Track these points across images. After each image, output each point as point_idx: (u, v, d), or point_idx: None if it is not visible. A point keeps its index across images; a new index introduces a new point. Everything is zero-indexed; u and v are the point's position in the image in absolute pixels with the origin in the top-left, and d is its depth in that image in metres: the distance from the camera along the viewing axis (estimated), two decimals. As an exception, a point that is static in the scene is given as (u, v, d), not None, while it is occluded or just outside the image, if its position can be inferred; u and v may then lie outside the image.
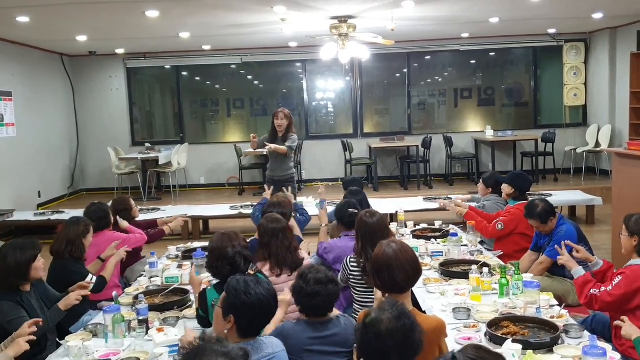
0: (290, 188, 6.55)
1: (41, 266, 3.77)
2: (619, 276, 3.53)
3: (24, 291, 3.68)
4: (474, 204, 6.07)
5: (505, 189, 5.72)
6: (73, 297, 3.76)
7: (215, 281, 3.61)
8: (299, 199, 8.00)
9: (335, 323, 3.14)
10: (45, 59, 11.40)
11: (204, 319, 3.42)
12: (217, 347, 1.89)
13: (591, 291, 3.56)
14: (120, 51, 11.91)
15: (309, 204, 8.33)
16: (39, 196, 10.86)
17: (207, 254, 3.71)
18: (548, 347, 2.97)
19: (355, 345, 3.17)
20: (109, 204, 5.57)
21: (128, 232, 5.31)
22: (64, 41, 10.38)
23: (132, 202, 5.68)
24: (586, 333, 3.14)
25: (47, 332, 3.67)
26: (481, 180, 6.26)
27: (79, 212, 8.29)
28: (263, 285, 2.73)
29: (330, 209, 7.00)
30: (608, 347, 2.90)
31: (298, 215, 5.77)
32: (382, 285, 3.03)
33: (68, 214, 8.70)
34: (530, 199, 5.47)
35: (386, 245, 3.06)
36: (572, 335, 3.12)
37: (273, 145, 6.96)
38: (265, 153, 7.09)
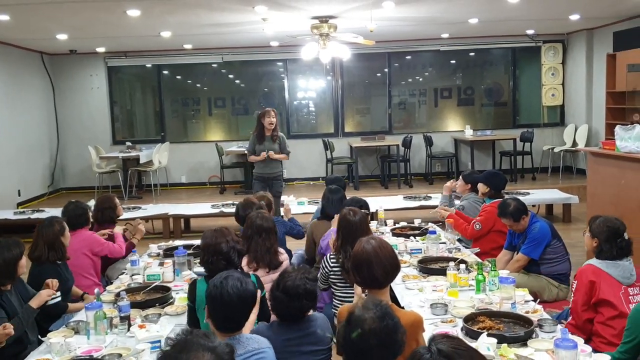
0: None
1: (25, 264, 3.80)
2: (574, 282, 3.68)
3: (4, 290, 3.68)
4: (456, 202, 6.16)
5: (481, 187, 5.80)
6: (44, 294, 3.75)
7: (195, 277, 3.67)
8: (283, 197, 8.06)
9: (311, 322, 3.15)
10: (25, 58, 11.31)
11: (192, 310, 3.46)
12: (203, 342, 1.87)
13: (569, 319, 3.70)
14: (101, 50, 11.85)
15: (291, 202, 8.37)
16: (19, 195, 10.78)
17: (200, 250, 3.74)
18: (522, 341, 3.05)
19: (333, 341, 3.23)
20: (90, 202, 5.58)
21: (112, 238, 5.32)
22: (44, 40, 10.30)
23: (117, 201, 5.68)
24: (559, 327, 3.22)
25: (27, 330, 3.68)
26: (461, 176, 6.33)
27: (59, 211, 8.28)
28: (236, 283, 2.72)
29: (313, 207, 7.08)
30: (580, 340, 2.99)
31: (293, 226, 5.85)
32: (362, 281, 3.08)
33: (48, 212, 8.64)
34: (504, 196, 5.59)
35: (365, 241, 3.11)
36: (546, 330, 3.20)
37: (276, 155, 7.26)
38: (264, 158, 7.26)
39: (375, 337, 2.29)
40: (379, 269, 2.99)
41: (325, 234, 5.05)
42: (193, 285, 3.50)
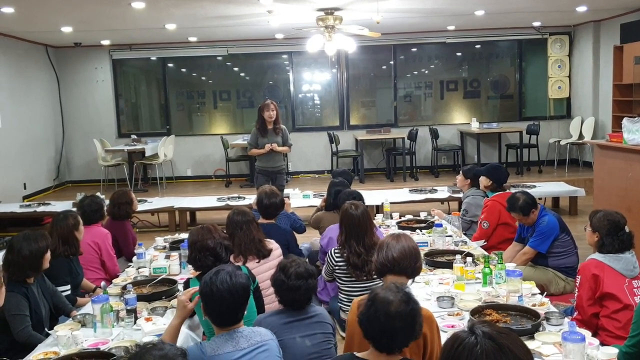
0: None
1: (49, 257, 3.82)
2: (578, 278, 3.68)
3: (29, 283, 3.73)
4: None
5: (483, 181, 5.80)
6: None
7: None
8: (286, 191, 8.07)
9: (312, 308, 3.25)
10: (30, 50, 11.32)
11: None
12: (154, 351, 2.05)
13: (574, 314, 3.70)
14: (105, 42, 11.85)
15: (296, 195, 8.38)
16: (25, 188, 10.80)
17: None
18: (529, 334, 3.04)
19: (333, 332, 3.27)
20: (99, 194, 5.58)
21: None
22: (49, 32, 10.30)
23: (133, 196, 5.65)
24: (566, 320, 3.20)
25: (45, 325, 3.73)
26: (461, 172, 6.32)
27: (65, 204, 8.34)
28: (226, 277, 2.72)
29: (319, 200, 7.08)
30: (587, 333, 2.98)
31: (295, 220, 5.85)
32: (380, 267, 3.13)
33: (54, 205, 8.68)
34: (506, 189, 5.61)
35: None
36: (553, 322, 3.19)
37: (279, 148, 7.22)
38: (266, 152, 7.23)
39: (400, 320, 2.33)
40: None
41: (324, 233, 5.03)
42: (187, 284, 3.52)
